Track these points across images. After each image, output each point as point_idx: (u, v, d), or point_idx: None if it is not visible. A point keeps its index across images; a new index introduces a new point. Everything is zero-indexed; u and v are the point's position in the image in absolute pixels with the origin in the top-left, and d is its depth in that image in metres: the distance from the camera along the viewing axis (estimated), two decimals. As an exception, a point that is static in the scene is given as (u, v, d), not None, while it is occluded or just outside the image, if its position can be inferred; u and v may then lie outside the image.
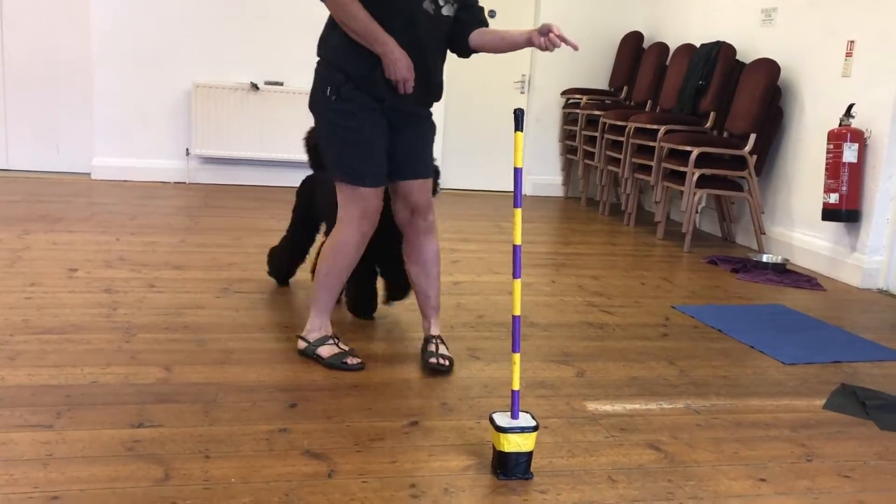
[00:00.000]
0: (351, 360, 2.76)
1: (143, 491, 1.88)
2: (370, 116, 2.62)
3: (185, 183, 6.32)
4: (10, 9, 6.07)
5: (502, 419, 2.08)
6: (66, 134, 6.35)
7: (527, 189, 7.23)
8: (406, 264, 2.90)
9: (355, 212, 2.67)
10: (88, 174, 6.28)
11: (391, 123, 2.68)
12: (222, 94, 6.24)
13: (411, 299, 3.34)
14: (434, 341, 2.84)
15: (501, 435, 2.04)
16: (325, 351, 2.78)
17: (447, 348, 2.85)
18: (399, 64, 2.54)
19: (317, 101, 2.66)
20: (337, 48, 2.60)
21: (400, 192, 2.77)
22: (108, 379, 2.51)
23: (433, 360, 2.76)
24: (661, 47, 6.51)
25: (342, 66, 2.60)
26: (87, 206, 5.15)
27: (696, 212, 5.84)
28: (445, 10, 2.62)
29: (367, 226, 2.70)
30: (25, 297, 3.24)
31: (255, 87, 6.27)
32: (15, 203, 5.09)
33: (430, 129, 2.84)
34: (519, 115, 2.14)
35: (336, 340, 2.82)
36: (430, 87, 2.71)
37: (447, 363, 2.76)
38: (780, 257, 4.87)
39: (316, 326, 2.83)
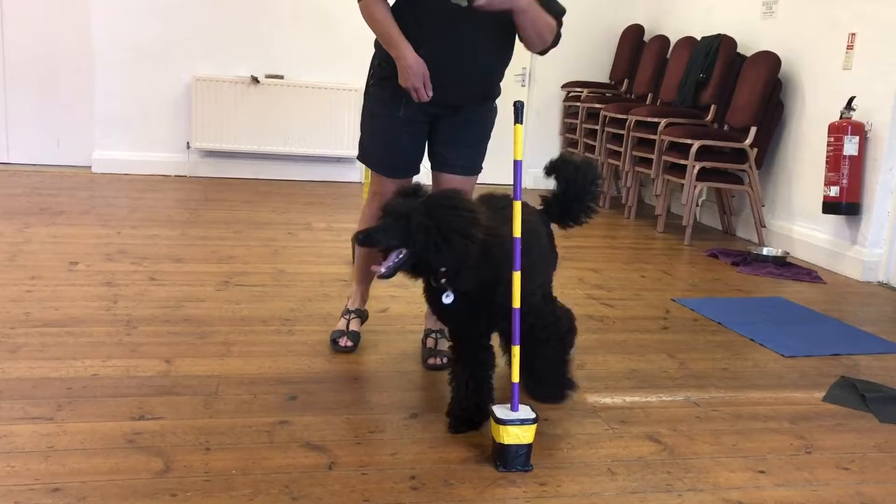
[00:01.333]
0: (342, 342, 2.85)
1: (143, 483, 1.88)
2: (398, 110, 2.60)
3: (185, 176, 6.31)
4: (11, 2, 6.06)
5: (502, 411, 2.09)
6: (66, 127, 6.34)
7: (527, 182, 7.21)
8: None
9: (372, 188, 2.79)
10: (89, 167, 6.27)
11: (432, 114, 2.63)
12: (223, 88, 6.24)
13: (411, 292, 3.34)
14: (433, 335, 2.84)
15: (501, 427, 2.04)
16: (338, 323, 2.94)
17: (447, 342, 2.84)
18: (408, 72, 2.44)
19: (365, 84, 2.72)
20: None
21: (434, 182, 2.74)
22: (108, 371, 2.51)
23: (431, 359, 2.76)
24: (662, 40, 6.50)
25: (379, 53, 2.64)
26: (88, 200, 5.15)
27: (697, 205, 5.84)
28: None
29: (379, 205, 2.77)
30: (26, 291, 3.24)
31: (255, 80, 6.27)
32: (16, 196, 5.09)
33: (480, 124, 2.68)
34: (519, 108, 2.14)
35: (350, 316, 2.92)
36: (472, 87, 2.57)
37: (445, 360, 2.75)
38: (780, 250, 4.86)
39: (352, 294, 2.99)
